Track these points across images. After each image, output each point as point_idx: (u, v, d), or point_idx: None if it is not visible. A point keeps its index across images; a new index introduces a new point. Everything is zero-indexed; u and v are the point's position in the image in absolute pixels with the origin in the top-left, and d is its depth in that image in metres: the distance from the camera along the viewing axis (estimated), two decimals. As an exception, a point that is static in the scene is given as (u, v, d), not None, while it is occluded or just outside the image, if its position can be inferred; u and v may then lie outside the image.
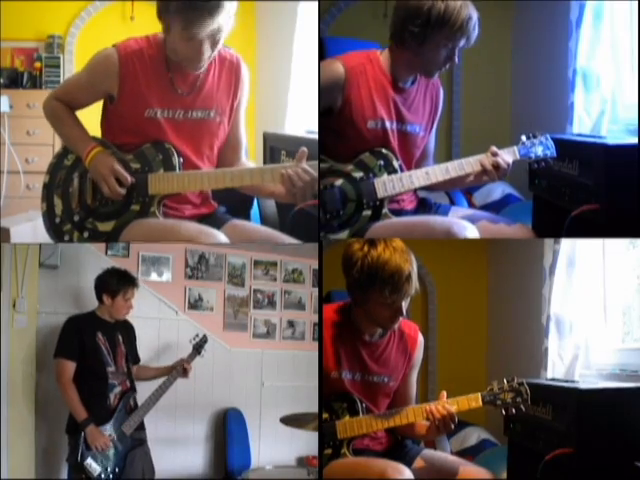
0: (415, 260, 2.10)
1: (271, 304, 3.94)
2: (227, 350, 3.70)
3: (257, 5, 4.94)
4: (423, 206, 2.48)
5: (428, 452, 2.30)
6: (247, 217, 2.72)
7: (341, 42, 3.69)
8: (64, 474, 3.04)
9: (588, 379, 2.81)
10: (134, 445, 2.79)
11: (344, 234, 2.29)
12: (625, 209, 2.18)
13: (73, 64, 4.98)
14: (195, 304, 3.66)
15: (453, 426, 2.09)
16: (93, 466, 2.65)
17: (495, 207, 3.86)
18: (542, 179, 2.64)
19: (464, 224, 2.18)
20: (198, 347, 3.04)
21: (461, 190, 3.34)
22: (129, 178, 2.22)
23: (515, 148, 2.30)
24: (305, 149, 2.11)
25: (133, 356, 2.98)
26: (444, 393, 2.13)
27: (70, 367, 2.75)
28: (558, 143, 2.32)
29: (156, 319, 3.46)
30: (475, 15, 2.19)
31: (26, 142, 4.70)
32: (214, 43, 2.11)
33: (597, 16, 3.32)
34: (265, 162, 3.46)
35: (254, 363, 3.82)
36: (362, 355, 2.23)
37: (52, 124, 2.33)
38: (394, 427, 2.20)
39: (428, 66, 2.27)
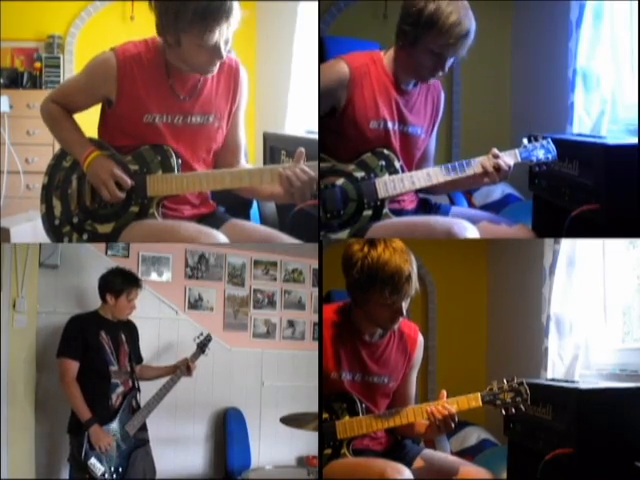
0: (415, 260, 2.10)
1: (271, 304, 3.95)
2: (227, 350, 3.70)
3: (257, 5, 4.94)
4: (424, 206, 2.48)
5: (428, 452, 2.30)
6: (247, 217, 2.72)
7: (341, 42, 3.69)
8: (64, 474, 3.05)
9: (588, 379, 2.81)
10: (137, 445, 2.79)
11: (344, 234, 2.30)
12: (625, 209, 2.18)
13: (73, 64, 4.98)
14: (195, 304, 3.66)
15: (453, 425, 2.09)
16: (97, 466, 2.64)
17: (495, 207, 3.86)
18: (542, 179, 2.64)
19: (465, 224, 2.18)
20: (202, 346, 3.04)
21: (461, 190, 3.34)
22: (129, 181, 2.21)
23: (517, 151, 2.30)
24: (303, 149, 2.11)
25: (136, 356, 2.98)
26: (444, 392, 2.13)
27: (73, 367, 2.75)
28: (558, 143, 2.32)
29: (156, 319, 3.46)
30: (469, 26, 2.15)
31: (26, 142, 4.70)
32: (227, 44, 2.10)
33: (597, 16, 3.32)
34: (265, 162, 3.46)
35: (254, 363, 3.82)
36: (362, 355, 2.23)
37: (49, 127, 2.31)
38: (394, 427, 2.20)
39: (419, 70, 2.27)
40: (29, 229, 3.52)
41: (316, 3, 3.86)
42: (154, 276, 3.52)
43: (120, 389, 2.79)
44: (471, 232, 2.17)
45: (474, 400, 2.11)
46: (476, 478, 2.16)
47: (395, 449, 2.28)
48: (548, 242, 3.06)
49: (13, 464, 2.78)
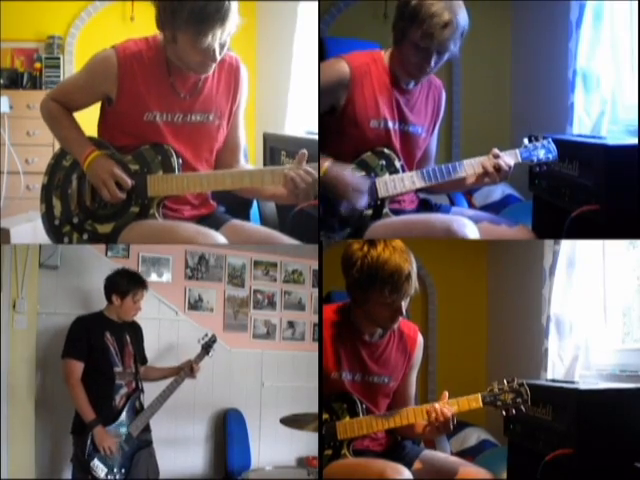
0: (415, 260, 2.10)
1: (271, 304, 3.94)
2: (227, 350, 3.70)
3: (257, 5, 4.94)
4: (424, 206, 2.48)
5: (428, 453, 2.30)
6: (247, 217, 2.71)
7: (341, 42, 3.69)
8: (65, 475, 3.05)
9: (588, 380, 2.81)
10: (140, 446, 2.79)
11: (344, 234, 2.29)
12: (625, 210, 2.18)
13: (73, 65, 4.98)
14: (195, 305, 3.66)
15: (452, 427, 2.09)
16: (100, 467, 2.64)
17: (495, 207, 3.86)
18: (542, 179, 2.64)
19: (464, 221, 2.18)
20: (207, 347, 3.04)
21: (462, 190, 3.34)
22: (129, 182, 2.20)
23: (517, 151, 2.30)
24: (305, 151, 2.10)
25: (141, 357, 2.98)
26: (446, 394, 2.13)
27: (78, 367, 2.74)
28: (558, 144, 2.32)
29: (156, 320, 3.46)
30: (451, 17, 2.13)
31: (26, 143, 4.70)
32: (223, 47, 2.10)
33: (597, 16, 3.32)
34: (265, 163, 3.46)
35: (254, 363, 3.82)
36: (362, 355, 2.23)
37: (49, 125, 2.31)
38: (394, 428, 2.20)
39: (407, 66, 2.26)
40: (29, 230, 3.52)
41: (316, 3, 3.86)
42: (154, 277, 3.52)
43: (124, 390, 2.79)
44: (470, 229, 2.17)
45: (474, 401, 2.11)
46: (476, 478, 2.16)
47: (395, 450, 2.28)
48: (548, 243, 3.06)
49: (13, 464, 2.78)
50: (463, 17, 2.17)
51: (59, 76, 4.87)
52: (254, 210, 2.92)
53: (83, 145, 2.24)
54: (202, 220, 2.32)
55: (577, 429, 2.16)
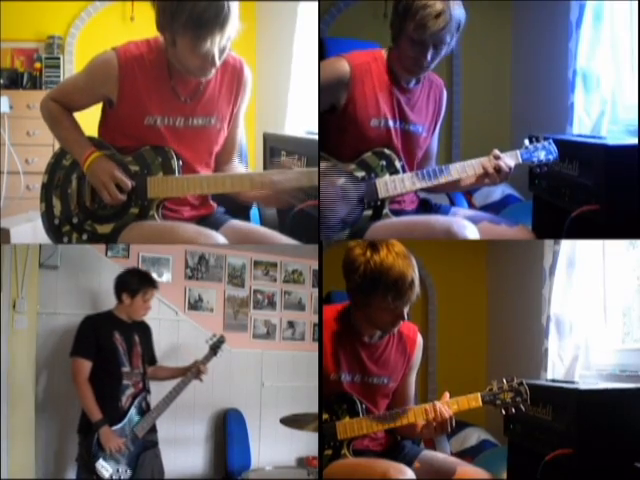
0: (416, 263, 2.10)
1: (271, 305, 3.94)
2: (227, 350, 3.69)
3: (257, 5, 4.94)
4: (424, 207, 2.48)
5: (427, 453, 2.30)
6: (246, 218, 2.71)
7: (341, 42, 3.69)
8: (65, 475, 3.05)
9: (588, 380, 2.81)
10: (146, 447, 2.79)
11: (344, 234, 2.29)
12: (625, 210, 2.17)
13: (73, 65, 4.98)
14: (195, 305, 3.66)
15: (451, 427, 2.09)
16: (105, 467, 2.64)
17: (495, 208, 3.86)
18: (542, 180, 2.64)
19: (464, 223, 2.18)
20: (215, 347, 3.04)
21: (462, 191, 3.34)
22: (129, 183, 2.20)
23: (518, 152, 2.29)
24: (288, 158, 2.11)
25: (149, 357, 2.98)
26: (447, 394, 2.12)
27: (86, 366, 2.75)
28: (558, 144, 2.32)
29: (156, 320, 3.45)
30: (444, 8, 2.12)
31: (26, 143, 4.70)
32: (222, 52, 2.09)
33: (597, 16, 3.32)
34: (265, 163, 3.46)
35: (254, 363, 3.82)
36: (361, 357, 2.22)
37: (49, 125, 2.30)
38: (394, 428, 2.20)
39: (405, 62, 2.25)
40: (29, 230, 3.52)
41: (316, 3, 3.86)
42: (154, 277, 3.51)
43: (130, 390, 2.79)
44: (470, 231, 2.17)
45: (474, 400, 2.11)
46: (474, 478, 2.16)
47: (395, 450, 2.28)
48: (548, 243, 3.06)
49: (13, 465, 2.78)
50: (458, 10, 2.17)
51: (59, 76, 4.87)
52: (254, 210, 2.91)
53: (83, 146, 2.23)
54: (202, 221, 2.32)
55: (577, 429, 2.16)
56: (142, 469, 2.75)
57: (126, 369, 2.80)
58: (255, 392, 3.81)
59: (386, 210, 2.30)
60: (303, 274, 4.04)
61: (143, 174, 2.22)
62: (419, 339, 2.33)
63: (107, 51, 2.19)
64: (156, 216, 2.22)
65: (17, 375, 2.89)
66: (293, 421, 2.54)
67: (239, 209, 2.56)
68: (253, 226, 2.50)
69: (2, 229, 3.48)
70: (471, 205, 3.83)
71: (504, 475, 2.77)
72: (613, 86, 3.29)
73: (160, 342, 3.42)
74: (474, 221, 2.26)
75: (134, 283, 2.86)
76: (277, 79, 4.61)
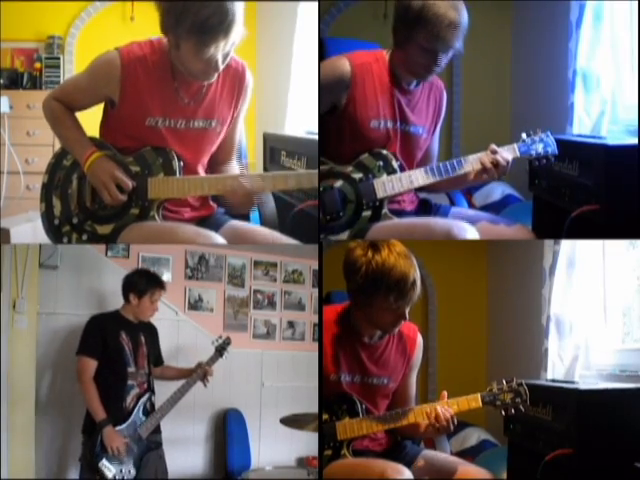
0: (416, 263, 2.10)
1: (271, 305, 3.94)
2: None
3: (257, 5, 4.94)
4: (424, 207, 2.48)
5: (427, 453, 2.30)
6: (246, 218, 2.71)
7: (341, 42, 3.68)
8: (67, 475, 3.05)
9: (588, 380, 2.81)
10: (150, 447, 2.79)
11: (344, 235, 2.29)
12: (625, 210, 2.18)
13: (73, 65, 4.99)
14: (195, 305, 3.66)
15: (452, 427, 2.09)
16: (108, 467, 2.63)
17: (495, 207, 3.86)
18: (542, 179, 2.64)
19: (464, 226, 2.18)
20: (221, 349, 3.03)
21: (461, 191, 3.34)
22: (130, 184, 2.20)
23: (515, 145, 2.29)
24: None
25: (156, 357, 2.98)
26: (445, 393, 2.13)
27: (92, 365, 2.74)
28: (558, 143, 2.32)
29: (156, 320, 3.46)
30: (455, 17, 2.13)
31: (26, 143, 4.71)
32: (226, 57, 2.09)
33: (597, 16, 3.32)
34: (265, 163, 3.46)
35: (254, 363, 3.82)
36: (361, 357, 2.22)
37: (50, 124, 2.30)
38: (394, 428, 2.20)
39: (414, 67, 2.26)
40: (29, 230, 3.52)
41: (316, 3, 3.86)
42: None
43: (135, 391, 2.79)
44: (470, 233, 2.16)
45: (474, 401, 2.11)
46: (475, 478, 2.16)
47: (395, 450, 2.28)
48: (548, 243, 3.06)
49: (13, 465, 2.78)
50: (465, 15, 2.18)
51: (59, 76, 4.88)
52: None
53: (84, 146, 2.23)
54: (202, 222, 2.32)
55: (577, 429, 2.16)
56: (146, 470, 2.74)
57: (131, 369, 2.79)
58: (255, 392, 3.80)
59: (385, 210, 2.30)
60: (303, 274, 4.04)
61: (144, 175, 2.22)
62: (419, 339, 2.33)
63: (110, 51, 2.19)
64: (156, 217, 2.22)
65: (17, 375, 2.88)
66: (293, 421, 2.54)
67: (239, 209, 2.56)
68: (253, 226, 2.49)
69: (2, 229, 3.48)
70: (471, 205, 3.82)
71: (504, 475, 2.77)
72: (613, 86, 3.29)
73: (160, 342, 3.42)
74: (473, 221, 2.26)
75: (142, 284, 2.86)
76: (277, 79, 4.62)
